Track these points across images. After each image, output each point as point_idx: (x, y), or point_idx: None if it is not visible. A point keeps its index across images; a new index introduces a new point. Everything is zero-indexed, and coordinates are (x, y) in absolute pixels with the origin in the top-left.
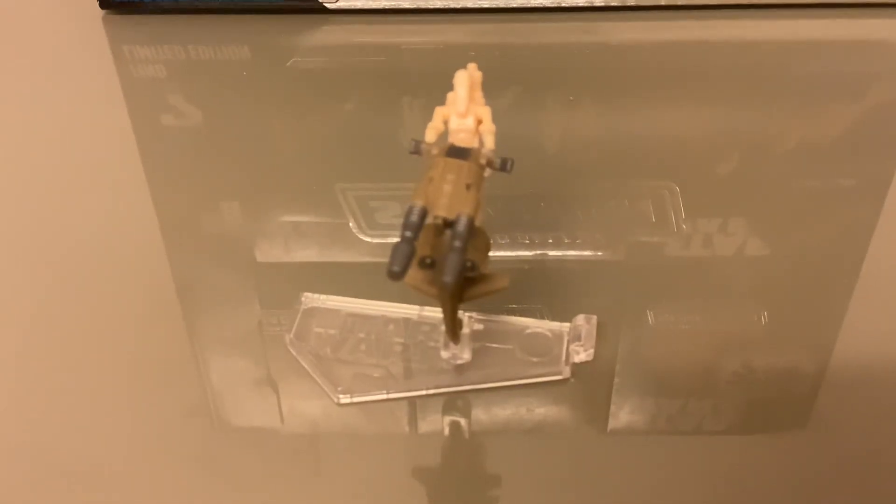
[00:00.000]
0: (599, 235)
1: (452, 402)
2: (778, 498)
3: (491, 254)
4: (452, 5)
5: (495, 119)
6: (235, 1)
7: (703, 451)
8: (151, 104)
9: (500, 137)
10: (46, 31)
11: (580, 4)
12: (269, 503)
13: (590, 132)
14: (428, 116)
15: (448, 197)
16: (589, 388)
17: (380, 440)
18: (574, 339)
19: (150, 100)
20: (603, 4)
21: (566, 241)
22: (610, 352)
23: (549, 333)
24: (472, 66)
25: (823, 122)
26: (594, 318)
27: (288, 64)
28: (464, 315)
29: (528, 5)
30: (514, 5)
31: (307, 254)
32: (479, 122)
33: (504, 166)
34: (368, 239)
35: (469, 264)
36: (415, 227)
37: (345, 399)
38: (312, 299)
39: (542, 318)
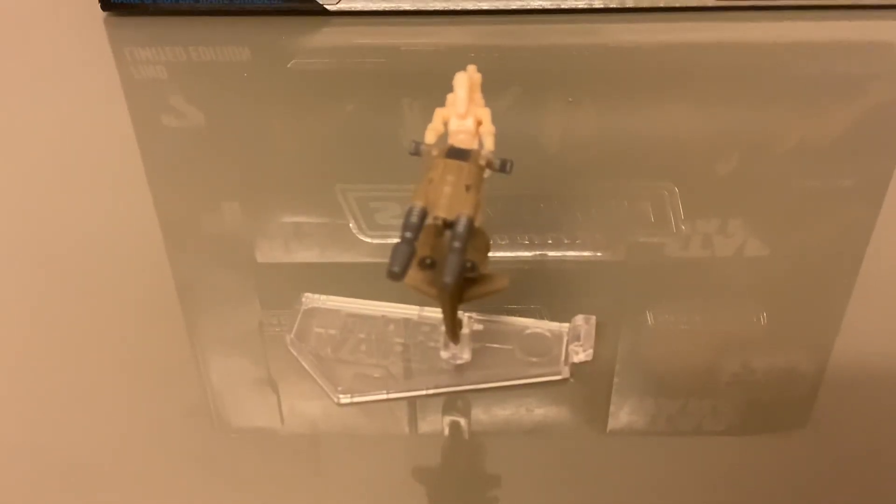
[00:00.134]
0: (599, 236)
1: (452, 402)
2: (778, 498)
3: (490, 254)
4: (452, 7)
5: (495, 120)
6: (236, 3)
7: (702, 451)
8: (152, 105)
9: (499, 138)
10: (48, 33)
11: (579, 6)
12: (268, 503)
13: (589, 133)
14: (428, 118)
15: (448, 198)
16: (588, 388)
17: (380, 440)
18: (573, 339)
19: (151, 101)
20: (602, 6)
21: (565, 241)
22: (609, 352)
23: (548, 333)
24: (471, 68)
25: (823, 123)
26: (593, 319)
27: (288, 65)
28: (463, 315)
29: (528, 7)
30: (514, 7)
31: (307, 254)
32: (479, 123)
33: (503, 167)
34: (368, 239)
35: (469, 265)
36: (415, 227)
37: (345, 399)
38: (313, 300)
39: (541, 318)
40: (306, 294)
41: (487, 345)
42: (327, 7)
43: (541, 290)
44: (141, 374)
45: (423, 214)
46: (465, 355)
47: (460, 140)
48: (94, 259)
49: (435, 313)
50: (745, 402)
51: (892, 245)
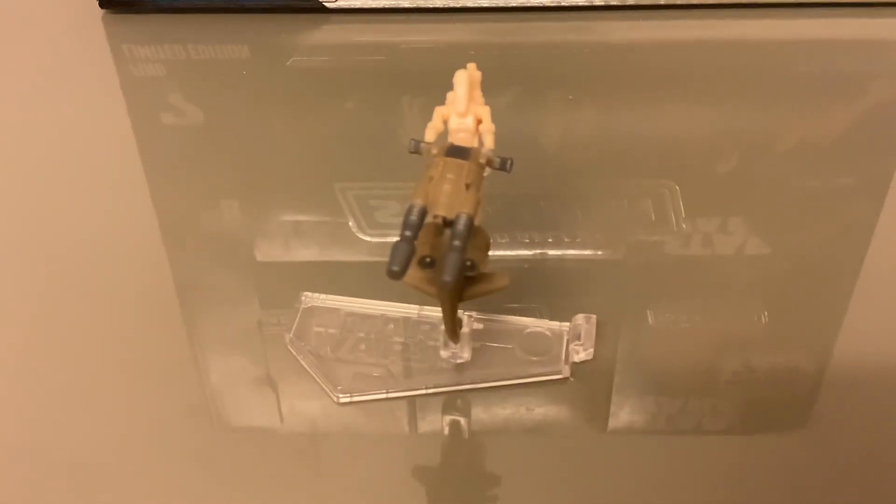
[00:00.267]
0: (599, 234)
1: (452, 402)
2: (778, 497)
3: (490, 253)
4: (452, 4)
5: (495, 118)
6: (235, 0)
7: (702, 450)
8: (151, 103)
9: (499, 137)
10: (46, 31)
11: (580, 4)
12: (268, 502)
13: (589, 131)
14: (427, 116)
15: (448, 196)
16: (588, 387)
17: (379, 439)
18: (574, 338)
19: (150, 99)
20: (602, 4)
21: (566, 240)
22: (609, 351)
23: (548, 333)
24: (471, 66)
25: (823, 122)
26: (594, 318)
27: (288, 63)
28: (463, 314)
29: (528, 4)
30: (514, 4)
31: (307, 253)
32: (479, 121)
33: (504, 166)
34: (368, 238)
35: (469, 263)
36: (414, 226)
37: (344, 398)
38: (312, 298)
39: (541, 317)
40: (305, 293)
41: (487, 344)
42: (326, 5)
43: (541, 289)
44: (140, 373)
45: (423, 213)
46: (465, 354)
47: (460, 138)
48: (93, 258)
49: (435, 312)
50: (746, 401)
51: (893, 244)
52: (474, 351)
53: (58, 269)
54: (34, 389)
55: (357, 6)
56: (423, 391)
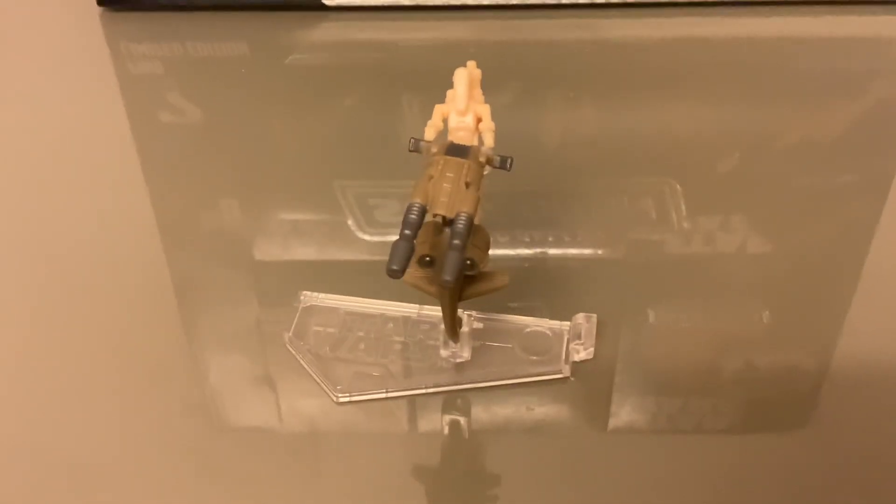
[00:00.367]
0: (600, 233)
1: (452, 401)
2: (779, 497)
3: (491, 252)
4: (452, 2)
5: (495, 117)
6: None
7: (703, 450)
8: (149, 101)
9: (499, 135)
10: (43, 28)
11: (580, 1)
12: (267, 502)
13: (590, 129)
14: (427, 114)
15: (447, 195)
16: (589, 386)
17: (379, 439)
18: (574, 337)
19: (148, 97)
20: (603, 1)
21: (566, 238)
22: (610, 350)
23: (548, 332)
24: (471, 64)
25: (825, 119)
26: (594, 317)
27: (286, 61)
28: (463, 313)
29: (528, 2)
30: (514, 2)
31: (306, 252)
32: (479, 119)
33: (504, 164)
34: (367, 237)
35: (468, 262)
36: (414, 225)
37: (344, 398)
38: (311, 297)
39: (541, 316)
40: (304, 292)
41: (487, 343)
42: (325, 2)
43: (541, 288)
44: (138, 372)
45: (423, 212)
46: (465, 354)
47: (460, 137)
48: (91, 256)
49: (434, 311)
50: (747, 400)
51: (895, 243)
52: (474, 350)
53: (56, 268)
54: (32, 388)
55: (356, 3)
56: (423, 391)
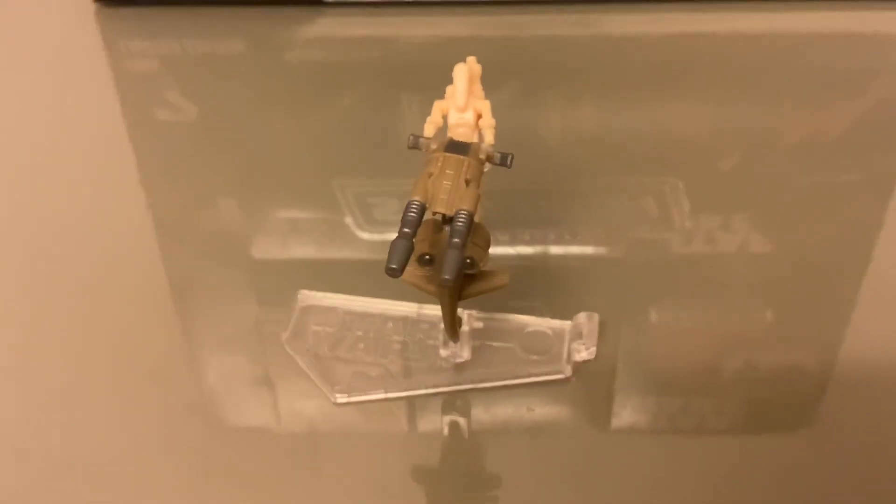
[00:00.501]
0: (601, 231)
1: (452, 402)
2: (781, 497)
3: (491, 250)
4: None
5: (495, 113)
6: None
7: (705, 450)
8: (146, 99)
9: (500, 132)
10: (39, 25)
11: None
12: (265, 503)
13: (591, 127)
14: (427, 111)
15: (447, 193)
16: (590, 387)
17: (378, 440)
18: (575, 337)
19: (145, 94)
20: None
21: (567, 237)
22: (612, 350)
23: (549, 331)
24: (471, 60)
25: (828, 117)
26: (596, 316)
27: (284, 58)
28: (463, 313)
29: None
30: None
31: (304, 250)
32: (479, 116)
33: (504, 161)
34: (366, 235)
35: (468, 261)
36: (413, 223)
37: (342, 398)
38: (309, 297)
39: (542, 315)
40: (303, 291)
41: (488, 343)
42: None
43: (542, 287)
44: (135, 372)
45: (422, 210)
46: (465, 353)
47: (460, 133)
48: (88, 255)
49: (434, 311)
50: (749, 400)
51: None
52: (474, 350)
53: (52, 267)
54: (28, 387)
55: None
56: (423, 391)
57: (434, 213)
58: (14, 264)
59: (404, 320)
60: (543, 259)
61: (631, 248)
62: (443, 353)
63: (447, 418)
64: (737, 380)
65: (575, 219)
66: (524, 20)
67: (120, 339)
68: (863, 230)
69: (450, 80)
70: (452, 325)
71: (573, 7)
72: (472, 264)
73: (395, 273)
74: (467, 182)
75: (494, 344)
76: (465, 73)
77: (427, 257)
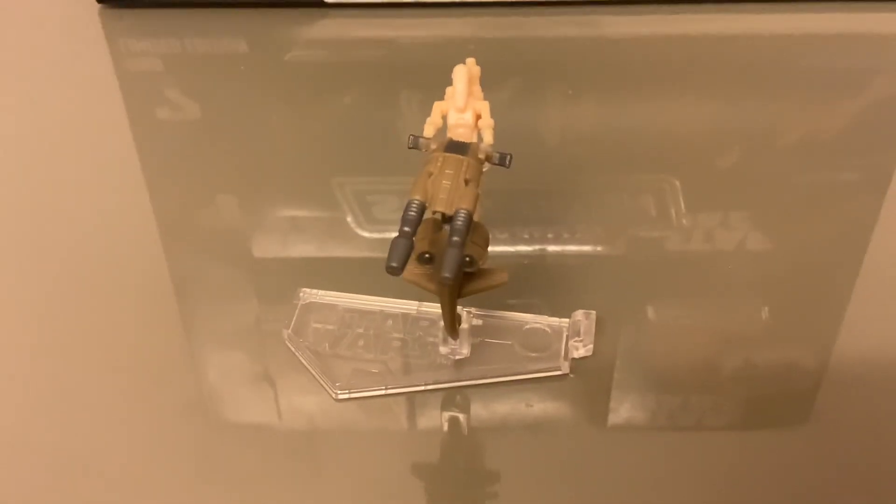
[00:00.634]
0: (599, 230)
1: (451, 398)
2: (779, 495)
3: (490, 249)
4: None
5: (494, 113)
6: None
7: (703, 447)
8: (148, 98)
9: (498, 132)
10: (42, 25)
11: None
12: (266, 500)
13: (589, 126)
14: (426, 111)
15: (447, 192)
16: (588, 383)
17: (378, 436)
18: (573, 334)
19: (147, 94)
20: None
21: (566, 235)
22: (609, 347)
23: (548, 329)
24: (470, 61)
25: (826, 116)
26: (593, 314)
27: (285, 58)
28: (462, 310)
29: None
30: None
31: (305, 249)
32: (478, 116)
33: (503, 161)
34: (366, 234)
35: (468, 259)
36: (413, 222)
37: (343, 395)
38: (310, 294)
39: (541, 313)
40: (303, 289)
41: (487, 340)
42: None
43: (541, 285)
44: (136, 369)
45: (422, 209)
46: (464, 350)
47: (459, 134)
48: (89, 253)
49: (434, 308)
50: (747, 398)
51: (895, 240)
52: (473, 347)
53: (54, 265)
54: (29, 385)
55: (355, 0)
56: (422, 387)
57: (434, 212)
58: (14, 261)
59: (404, 318)
60: (542, 257)
61: (629, 247)
62: (442, 350)
63: (446, 414)
64: (734, 377)
65: (573, 217)
66: (523, 21)
67: (121, 336)
68: (861, 229)
69: (449, 81)
70: (452, 323)
71: (571, 8)
72: (472, 262)
73: (395, 271)
74: (466, 181)
75: (493, 341)
76: (464, 74)
77: (427, 256)
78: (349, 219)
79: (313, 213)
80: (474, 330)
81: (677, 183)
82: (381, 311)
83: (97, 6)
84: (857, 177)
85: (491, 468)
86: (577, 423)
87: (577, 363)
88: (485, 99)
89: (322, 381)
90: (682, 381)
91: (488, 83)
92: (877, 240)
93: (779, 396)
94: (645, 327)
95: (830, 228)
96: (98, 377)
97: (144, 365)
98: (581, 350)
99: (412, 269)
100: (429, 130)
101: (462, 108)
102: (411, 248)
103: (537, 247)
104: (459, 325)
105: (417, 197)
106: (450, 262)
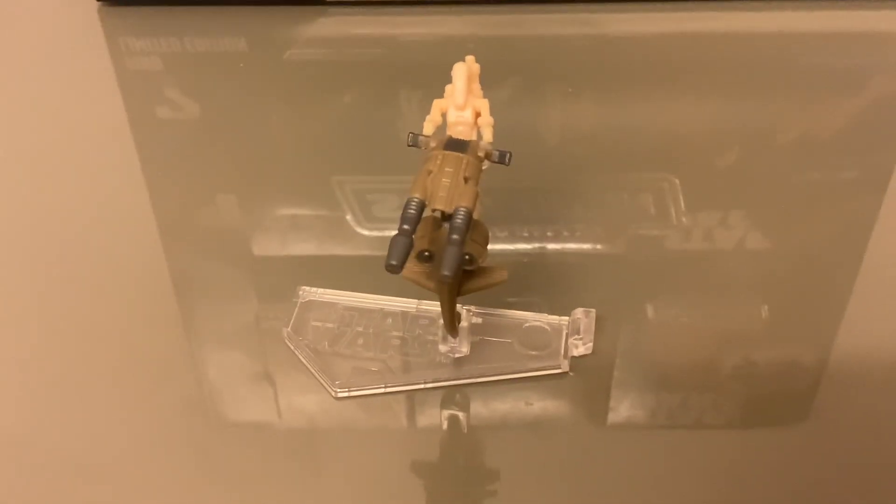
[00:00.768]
0: (599, 228)
1: (451, 396)
2: (778, 493)
3: (490, 247)
4: None
5: (493, 111)
6: None
7: (702, 445)
8: (147, 97)
9: (498, 130)
10: (42, 23)
11: None
12: (266, 498)
13: (589, 124)
14: (426, 109)
15: (446, 190)
16: (588, 382)
17: (377, 434)
18: (573, 332)
19: (146, 92)
20: None
21: (565, 234)
22: (609, 346)
23: (547, 327)
24: (470, 59)
25: (825, 115)
26: (593, 312)
27: (285, 56)
28: (462, 308)
29: None
30: None
31: (304, 247)
32: (478, 114)
33: (502, 159)
34: (366, 232)
35: (467, 257)
36: (413, 220)
37: (342, 393)
38: (310, 293)
39: (540, 311)
40: (303, 287)
41: (486, 338)
42: None
43: (540, 284)
44: (136, 368)
45: (422, 207)
46: (464, 349)
47: (459, 131)
48: (89, 252)
49: (433, 306)
50: (746, 396)
51: (894, 238)
52: (473, 345)
53: (53, 264)
54: (30, 384)
55: None
56: (422, 386)
57: (433, 210)
58: (13, 260)
59: (404, 316)
60: (541, 255)
61: (629, 245)
62: (442, 348)
63: (446, 412)
64: (733, 376)
65: (573, 216)
66: (523, 19)
67: (121, 335)
68: (860, 227)
69: (449, 79)
70: (451, 321)
71: (571, 6)
72: (471, 261)
73: (394, 269)
74: (466, 179)
75: (493, 339)
76: (463, 72)
77: (426, 254)
78: (349, 217)
79: (313, 211)
80: (474, 328)
81: (677, 181)
82: (381, 309)
83: (97, 5)
84: (857, 176)
85: (490, 466)
86: (576, 422)
87: (576, 361)
88: (484, 97)
89: (321, 380)
90: (682, 379)
91: (488, 81)
92: (876, 239)
93: (778, 395)
94: (644, 326)
95: (830, 227)
96: (98, 376)
97: (144, 364)
98: (581, 348)
99: (412, 268)
100: (428, 128)
101: (461, 106)
102: (411, 246)
103: (537, 245)
104: (459, 323)
105: (417, 195)
106: (449, 260)
